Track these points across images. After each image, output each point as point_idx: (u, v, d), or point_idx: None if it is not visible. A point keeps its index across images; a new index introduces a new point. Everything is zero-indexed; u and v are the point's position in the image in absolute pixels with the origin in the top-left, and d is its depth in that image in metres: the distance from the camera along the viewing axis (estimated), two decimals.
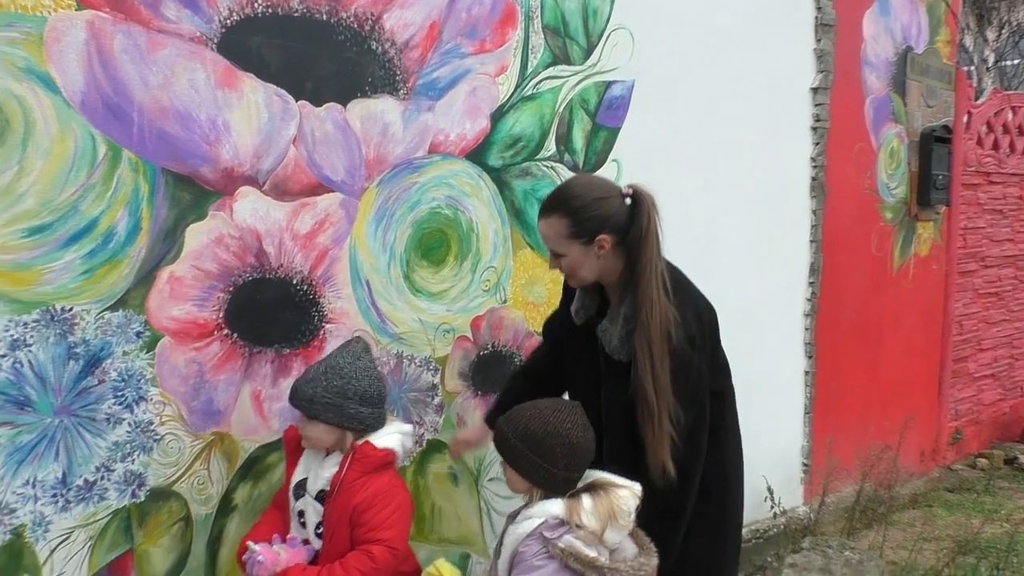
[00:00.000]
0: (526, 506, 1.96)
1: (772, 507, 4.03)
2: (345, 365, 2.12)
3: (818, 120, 4.19)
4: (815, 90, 4.18)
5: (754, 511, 4.06)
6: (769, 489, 4.02)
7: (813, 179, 4.22)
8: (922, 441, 5.21)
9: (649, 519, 2.04)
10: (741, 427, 3.93)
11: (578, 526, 1.85)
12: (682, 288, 2.13)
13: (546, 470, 1.91)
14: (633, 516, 1.90)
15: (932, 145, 4.93)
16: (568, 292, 2.34)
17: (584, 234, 2.07)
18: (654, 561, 1.93)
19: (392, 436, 2.17)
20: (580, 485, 1.93)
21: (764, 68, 3.88)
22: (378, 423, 2.16)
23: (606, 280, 2.17)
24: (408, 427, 2.26)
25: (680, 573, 2.14)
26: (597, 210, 2.06)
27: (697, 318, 2.10)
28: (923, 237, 5.10)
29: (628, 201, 2.08)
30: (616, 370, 2.11)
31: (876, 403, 4.78)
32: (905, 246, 4.93)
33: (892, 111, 4.72)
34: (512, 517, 1.98)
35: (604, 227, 2.06)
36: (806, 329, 4.30)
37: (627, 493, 1.89)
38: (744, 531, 3.98)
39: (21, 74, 1.89)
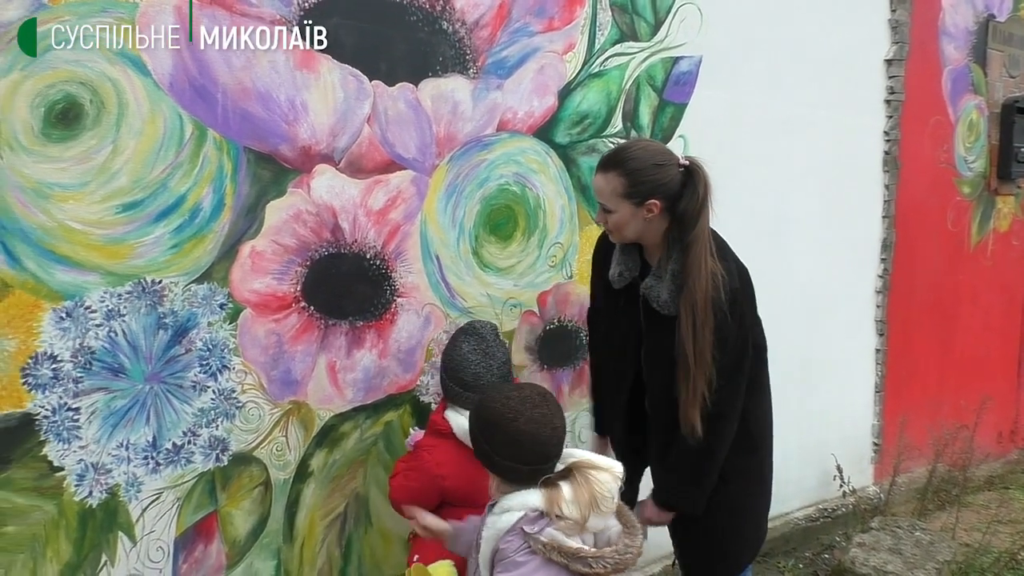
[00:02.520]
0: (503, 497, 1.84)
1: (841, 486, 4.00)
2: (450, 339, 2.38)
3: (892, 92, 4.09)
4: (889, 62, 4.08)
5: (822, 490, 4.04)
6: (838, 468, 3.98)
7: (886, 153, 4.13)
8: (1000, 422, 5.09)
9: (685, 461, 2.22)
10: (809, 406, 3.93)
11: (559, 516, 1.74)
12: (724, 249, 2.22)
13: (488, 456, 1.85)
14: (616, 499, 1.80)
15: (1014, 117, 4.77)
16: (599, 260, 2.45)
17: (637, 196, 2.14)
18: (639, 540, 1.83)
19: (462, 418, 2.21)
20: (559, 468, 1.83)
21: (836, 40, 3.81)
22: (460, 400, 2.26)
23: (648, 240, 2.25)
24: None
25: (718, 518, 2.27)
26: (653, 175, 2.13)
27: (739, 274, 2.19)
28: (1003, 212, 4.95)
29: (682, 171, 2.15)
30: (661, 325, 2.19)
31: (951, 382, 4.68)
32: (983, 221, 4.80)
33: (971, 82, 4.58)
34: (490, 508, 1.86)
35: (656, 193, 2.13)
36: (877, 306, 4.23)
37: (608, 477, 1.79)
38: (811, 510, 3.98)
39: (115, 57, 1.99)
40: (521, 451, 1.78)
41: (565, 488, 1.76)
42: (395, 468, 2.32)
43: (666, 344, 2.15)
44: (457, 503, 2.24)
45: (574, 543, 1.74)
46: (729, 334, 2.12)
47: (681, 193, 2.13)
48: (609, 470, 1.80)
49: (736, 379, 2.18)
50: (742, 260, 2.27)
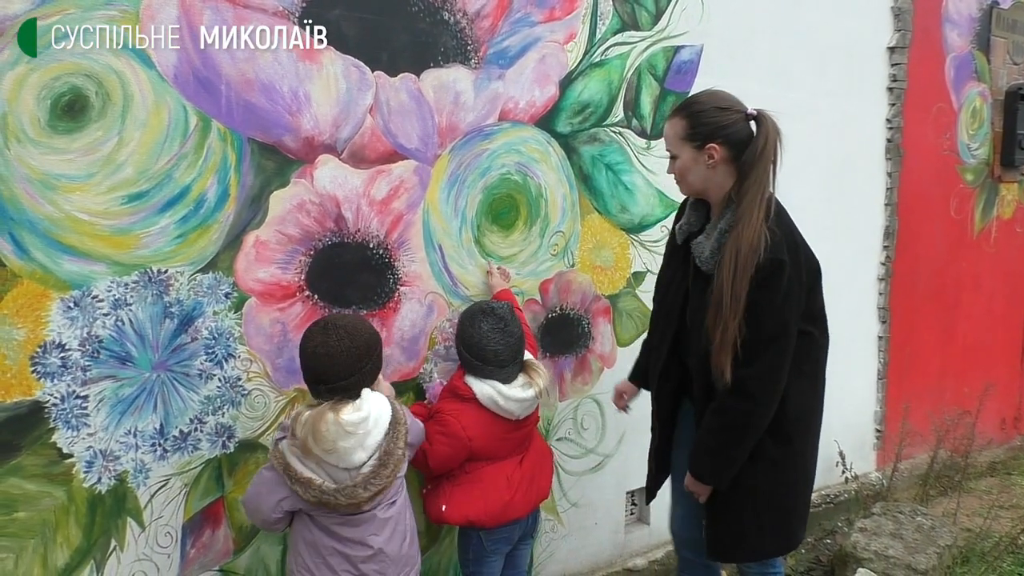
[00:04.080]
0: None
1: (843, 472, 4.02)
2: (464, 317, 2.46)
3: (895, 80, 4.09)
4: (892, 49, 4.08)
5: (825, 476, 4.05)
6: (841, 454, 4.01)
7: (889, 141, 4.14)
8: (1003, 408, 5.10)
9: (709, 432, 2.21)
10: None
11: (293, 434, 1.99)
12: (785, 224, 2.18)
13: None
14: (342, 444, 1.96)
15: (1018, 104, 4.77)
16: (680, 217, 2.45)
17: (697, 138, 2.17)
18: (362, 492, 2.00)
19: (485, 386, 2.37)
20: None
21: (838, 28, 3.81)
22: (479, 372, 2.39)
23: (713, 195, 2.25)
24: (514, 392, 2.39)
25: (738, 499, 2.26)
26: (714, 117, 2.15)
27: (794, 252, 2.13)
28: (1007, 199, 4.95)
29: (752, 124, 2.16)
30: (703, 282, 2.19)
31: (953, 369, 4.69)
32: (987, 208, 4.80)
33: (975, 69, 4.58)
34: None
35: (717, 136, 2.15)
36: (880, 293, 4.24)
37: (332, 419, 1.96)
38: (814, 496, 3.98)
39: (119, 50, 2.02)
40: (309, 370, 2.04)
41: (307, 412, 2.00)
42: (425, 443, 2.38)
43: (706, 301, 2.14)
44: (482, 458, 2.38)
45: (294, 460, 1.99)
46: (765, 302, 2.07)
47: (747, 143, 2.14)
48: (340, 416, 1.97)
49: (766, 359, 2.11)
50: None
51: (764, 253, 2.06)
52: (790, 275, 2.09)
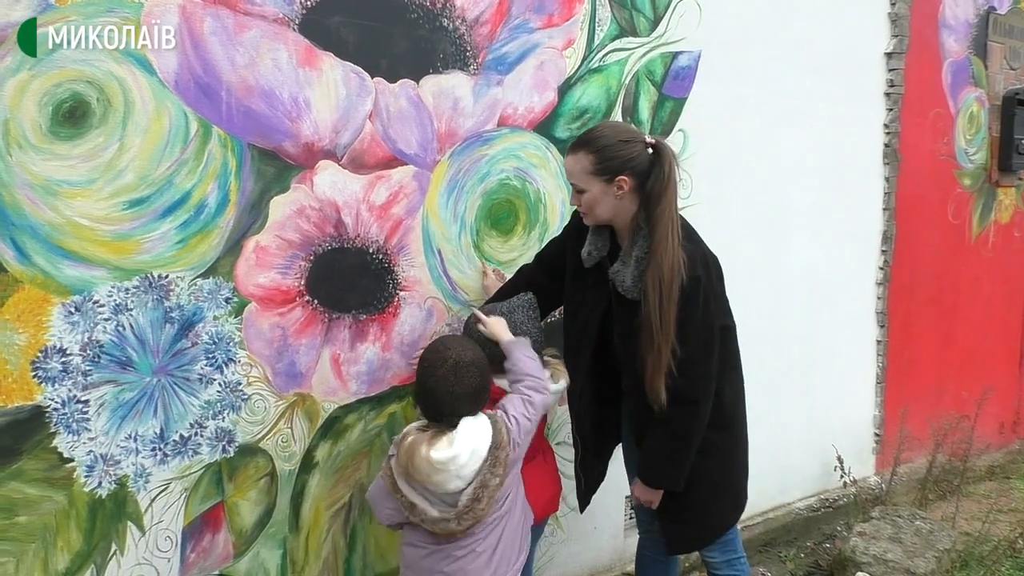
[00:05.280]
0: None
1: (842, 477, 4.03)
2: (500, 315, 2.42)
3: (892, 85, 4.11)
4: (889, 55, 4.10)
5: (824, 480, 4.07)
6: (839, 459, 4.01)
7: (886, 146, 4.15)
8: (1002, 412, 5.11)
9: (660, 442, 2.30)
10: (810, 397, 3.95)
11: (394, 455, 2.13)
12: (692, 237, 2.28)
13: None
14: (435, 478, 2.03)
15: (1015, 109, 4.79)
16: (572, 234, 2.48)
17: (606, 172, 2.21)
18: (455, 522, 2.06)
19: None
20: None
21: (835, 34, 3.83)
22: None
23: (619, 222, 2.30)
24: (552, 386, 2.40)
25: (696, 491, 2.36)
26: (621, 151, 2.20)
27: (704, 262, 2.23)
28: (1004, 204, 4.96)
29: (650, 151, 2.22)
30: (629, 308, 2.25)
31: (952, 373, 4.70)
32: (985, 213, 4.81)
33: (972, 74, 4.60)
34: None
35: (625, 169, 2.20)
36: (878, 298, 4.25)
37: (424, 454, 2.02)
38: (813, 500, 4.01)
39: (121, 56, 2.03)
40: (425, 395, 2.16)
41: (408, 441, 2.08)
42: None
43: (635, 327, 2.21)
44: (526, 461, 2.36)
45: (401, 483, 2.10)
46: (691, 317, 2.18)
47: (649, 172, 2.20)
48: (431, 456, 2.02)
49: (703, 365, 2.24)
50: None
51: (684, 277, 2.15)
52: (705, 286, 2.20)
